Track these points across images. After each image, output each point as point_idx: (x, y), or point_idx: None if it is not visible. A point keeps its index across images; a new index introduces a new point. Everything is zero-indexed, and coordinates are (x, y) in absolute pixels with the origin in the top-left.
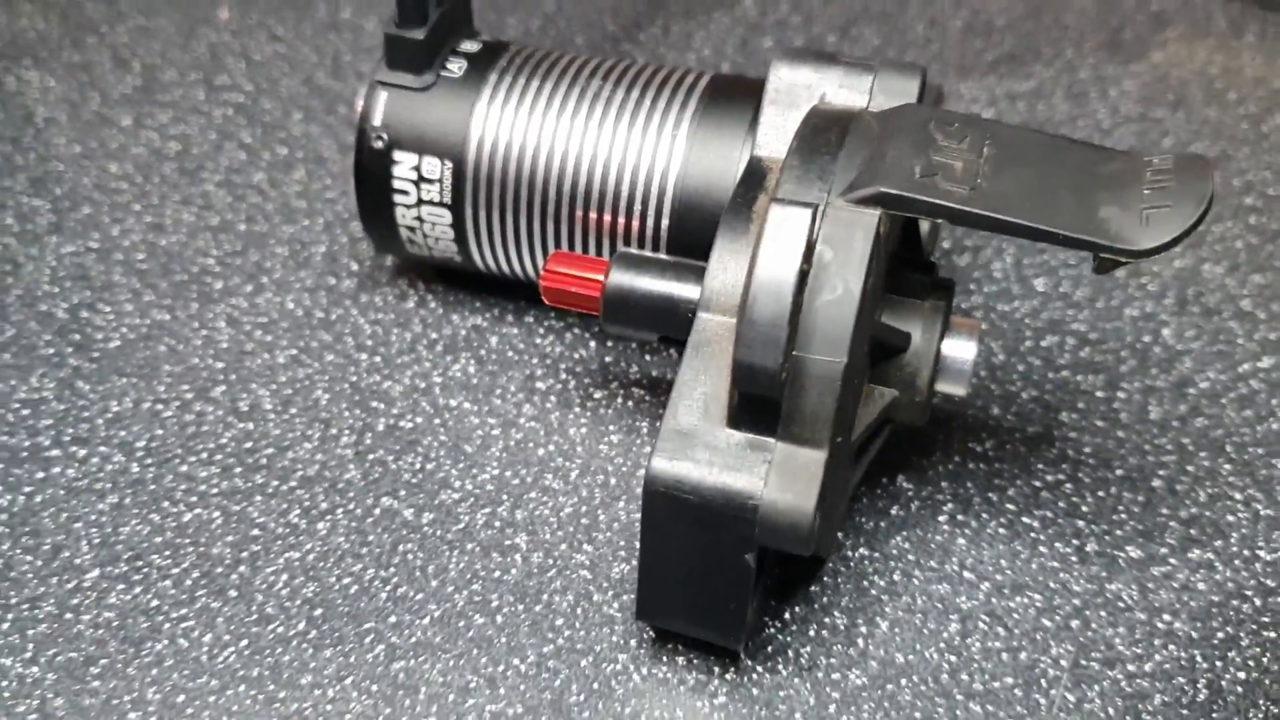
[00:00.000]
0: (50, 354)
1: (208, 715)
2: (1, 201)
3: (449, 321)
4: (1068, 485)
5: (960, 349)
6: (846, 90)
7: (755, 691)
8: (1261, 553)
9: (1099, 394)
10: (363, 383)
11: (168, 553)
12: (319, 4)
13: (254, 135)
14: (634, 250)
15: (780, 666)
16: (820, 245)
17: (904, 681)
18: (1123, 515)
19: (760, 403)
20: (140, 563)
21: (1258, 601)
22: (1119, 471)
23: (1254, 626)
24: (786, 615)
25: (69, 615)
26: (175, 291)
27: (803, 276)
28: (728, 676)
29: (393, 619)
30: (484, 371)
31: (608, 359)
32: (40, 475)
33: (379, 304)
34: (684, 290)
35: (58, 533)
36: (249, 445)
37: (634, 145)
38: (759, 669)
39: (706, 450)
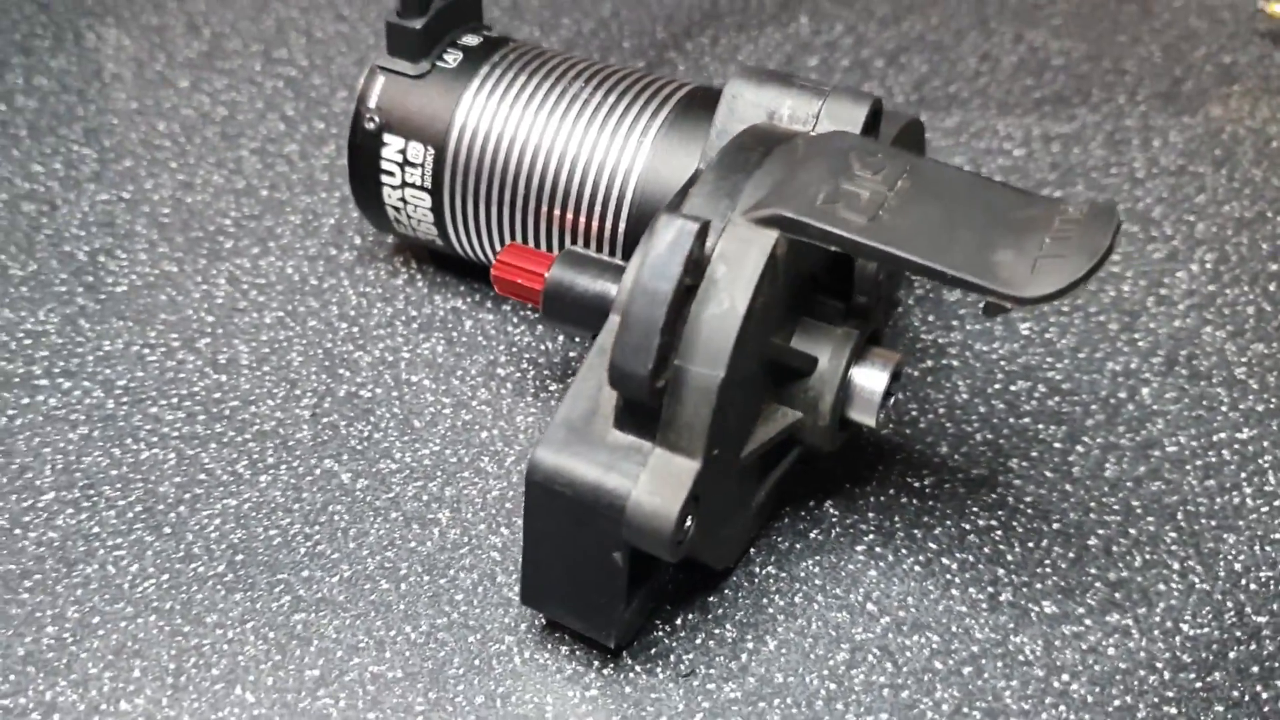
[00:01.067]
0: (62, 291)
1: (115, 638)
2: (55, 148)
3: (430, 301)
4: (998, 532)
5: (870, 378)
6: (794, 112)
7: (628, 690)
8: (1185, 626)
9: (1056, 445)
10: (336, 350)
11: (119, 485)
12: None
13: (297, 109)
14: (580, 249)
15: (658, 669)
16: (715, 260)
17: (777, 702)
18: (1047, 569)
19: (640, 407)
20: (92, 491)
21: (1166, 675)
22: (1055, 525)
23: (1156, 700)
24: (678, 621)
25: (18, 530)
26: (188, 246)
27: (685, 289)
28: (605, 671)
29: (305, 573)
30: (451, 352)
31: (572, 354)
32: (25, 401)
33: (370, 278)
34: (614, 291)
35: (27, 455)
36: (217, 396)
37: (601, 147)
38: (637, 668)
39: (589, 447)
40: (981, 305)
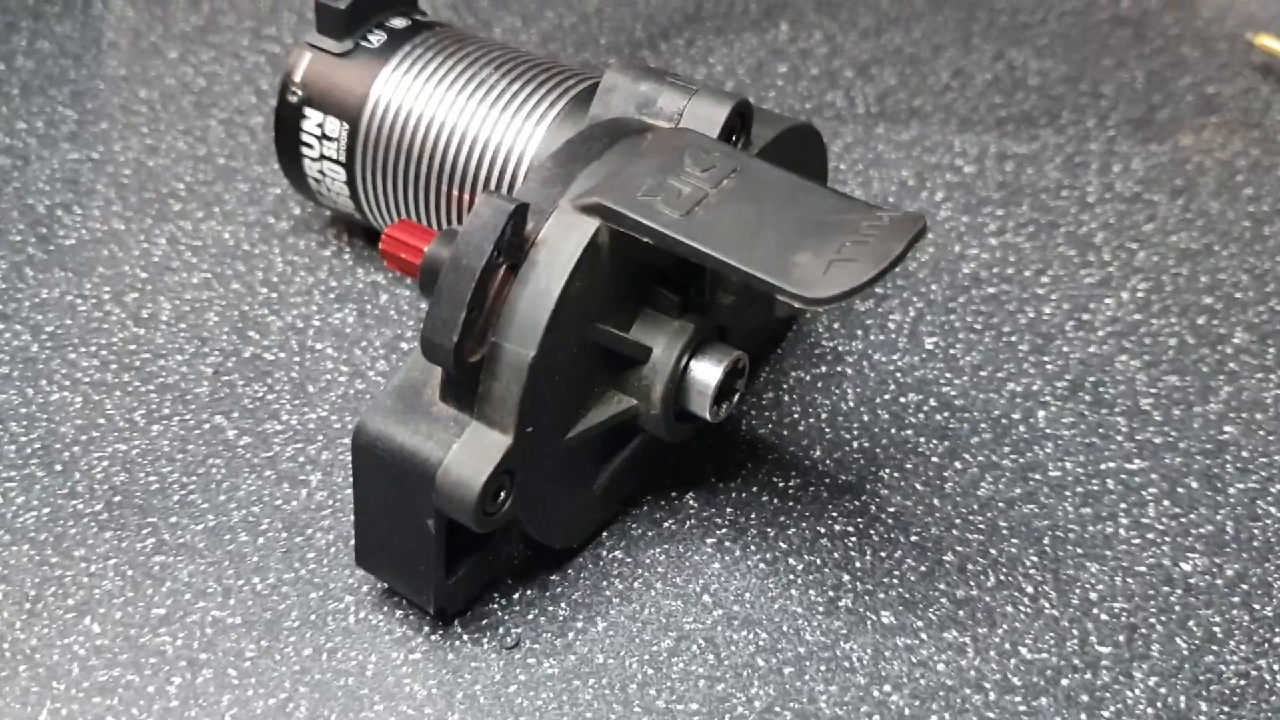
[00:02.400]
0: (16, 240)
1: None
2: (41, 108)
3: (353, 274)
4: (852, 538)
5: (705, 371)
6: (663, 107)
7: (450, 656)
8: (1024, 650)
9: (934, 459)
10: (252, 313)
11: (25, 422)
12: None
13: (270, 83)
14: (459, 228)
15: (484, 640)
16: (539, 244)
17: (592, 681)
18: (894, 580)
19: (459, 380)
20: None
21: (991, 696)
22: (913, 537)
23: (975, 719)
24: (516, 595)
25: None
26: (140, 206)
27: (500, 267)
28: (432, 638)
29: (173, 519)
30: (361, 324)
31: None
32: None
33: (300, 247)
34: None
35: None
36: (132, 348)
37: (499, 131)
38: (464, 636)
39: (413, 415)
40: (775, 306)
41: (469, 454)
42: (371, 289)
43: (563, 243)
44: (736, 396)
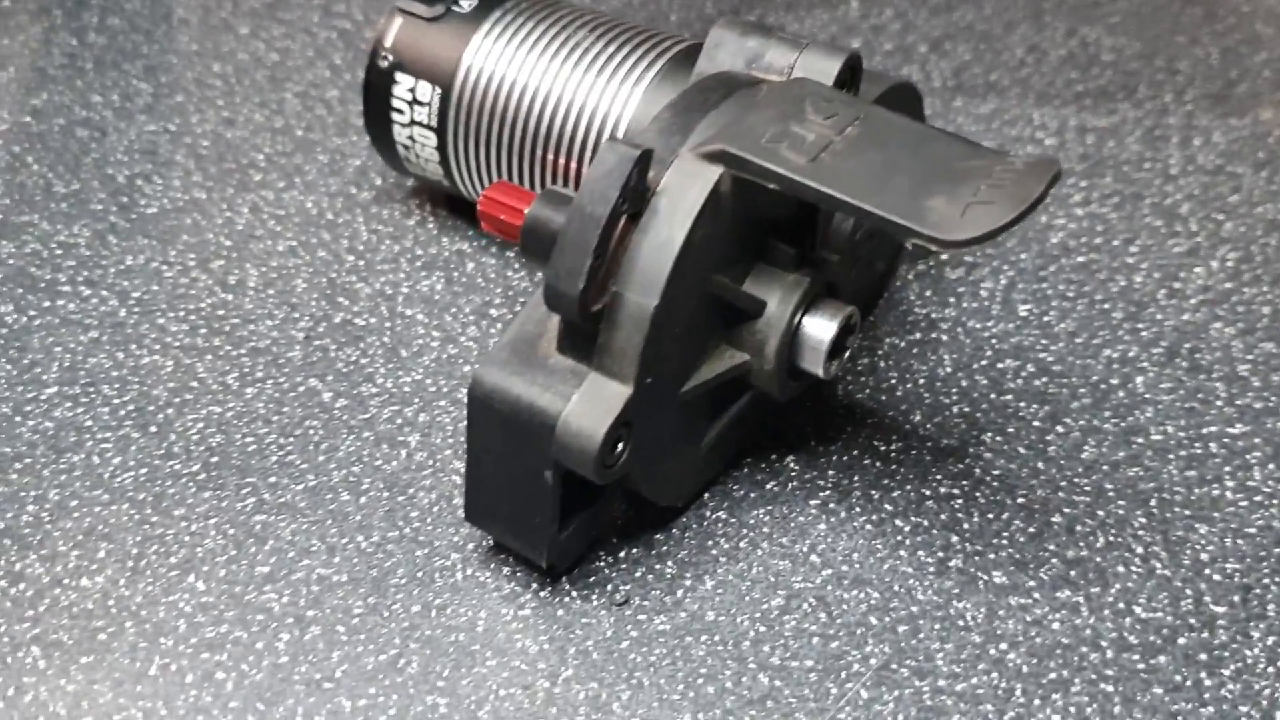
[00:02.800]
0: (98, 209)
1: (88, 521)
2: (115, 81)
3: (438, 242)
4: (958, 500)
5: (819, 327)
6: (772, 62)
7: (560, 613)
8: (1138, 609)
9: (1035, 424)
10: (339, 280)
11: (117, 385)
12: None
13: (344, 58)
14: (560, 189)
15: (594, 596)
16: (660, 192)
17: (704, 638)
18: (1003, 541)
19: (579, 330)
20: (92, 389)
21: (1109, 654)
22: (1020, 499)
23: (1093, 676)
24: (622, 554)
25: (18, 418)
26: (220, 176)
27: (623, 215)
28: (541, 594)
29: (272, 479)
30: (449, 290)
31: None
32: (47, 304)
33: (384, 216)
34: None
35: (39, 352)
36: (221, 313)
37: (595, 95)
38: (573, 593)
39: (530, 367)
40: (910, 246)
41: (589, 404)
42: (458, 257)
43: (685, 190)
44: (847, 353)
